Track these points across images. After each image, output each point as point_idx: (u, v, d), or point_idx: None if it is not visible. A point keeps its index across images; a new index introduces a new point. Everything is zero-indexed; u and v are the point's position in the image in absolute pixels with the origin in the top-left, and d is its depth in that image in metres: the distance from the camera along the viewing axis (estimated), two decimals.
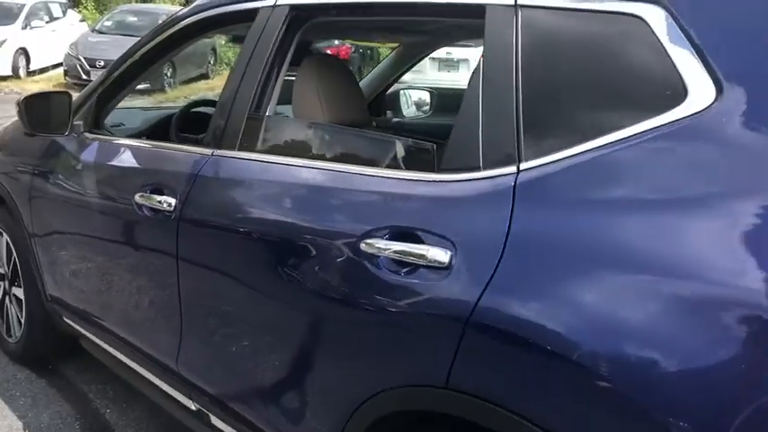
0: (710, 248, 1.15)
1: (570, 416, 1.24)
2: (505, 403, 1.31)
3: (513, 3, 1.50)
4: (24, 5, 15.02)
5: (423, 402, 1.48)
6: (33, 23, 14.78)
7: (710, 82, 1.20)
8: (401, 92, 3.91)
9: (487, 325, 1.33)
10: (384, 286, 1.52)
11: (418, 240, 1.48)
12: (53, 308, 2.97)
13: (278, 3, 2.04)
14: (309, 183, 1.80)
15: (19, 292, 3.20)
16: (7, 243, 3.23)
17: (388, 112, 3.78)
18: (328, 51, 11.79)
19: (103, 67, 9.81)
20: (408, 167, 1.70)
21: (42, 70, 15.00)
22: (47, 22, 15.34)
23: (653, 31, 1.28)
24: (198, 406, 2.20)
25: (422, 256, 1.46)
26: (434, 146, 1.65)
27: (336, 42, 11.19)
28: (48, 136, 2.77)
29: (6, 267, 3.29)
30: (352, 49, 11.75)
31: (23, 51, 14.40)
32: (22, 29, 14.47)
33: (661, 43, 1.27)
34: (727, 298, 1.10)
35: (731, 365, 1.09)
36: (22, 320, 3.23)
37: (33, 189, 2.90)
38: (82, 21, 17.57)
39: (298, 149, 2.00)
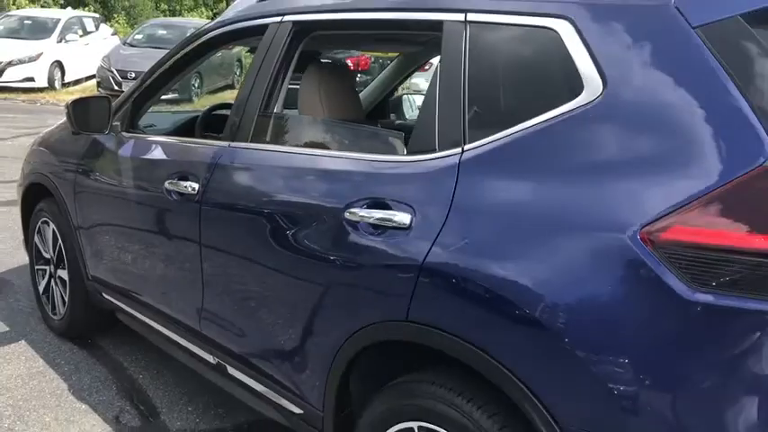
0: (601, 206, 1.51)
1: (496, 335, 1.61)
2: (449, 329, 1.69)
3: (463, 19, 1.88)
4: (59, 20, 15.73)
5: (391, 334, 1.86)
6: (68, 37, 15.46)
7: (600, 79, 1.58)
8: (404, 96, 4.31)
9: (434, 270, 1.72)
10: (362, 246, 1.91)
11: (388, 208, 1.87)
12: (94, 286, 3.40)
13: (283, 19, 2.45)
14: (306, 166, 2.20)
15: (63, 273, 3.64)
16: (54, 231, 3.67)
17: (392, 115, 4.18)
18: (348, 62, 12.28)
19: (134, 79, 10.34)
20: (383, 152, 2.09)
21: (76, 82, 15.67)
22: (80, 36, 16.01)
23: (562, 40, 1.66)
24: (217, 359, 2.60)
25: (390, 220, 1.85)
26: (404, 134, 2.05)
27: (357, 53, 11.64)
28: (90, 134, 3.21)
29: (52, 253, 3.73)
30: (372, 60, 12.18)
31: (58, 64, 15.08)
32: (57, 42, 15.15)
33: (567, 49, 1.65)
34: (610, 246, 1.47)
35: (611, 294, 1.46)
36: (66, 299, 3.66)
37: (77, 182, 3.34)
38: (114, 34, 18.24)
39: (299, 140, 2.41)
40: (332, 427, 2.09)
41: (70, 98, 3.56)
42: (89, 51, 15.72)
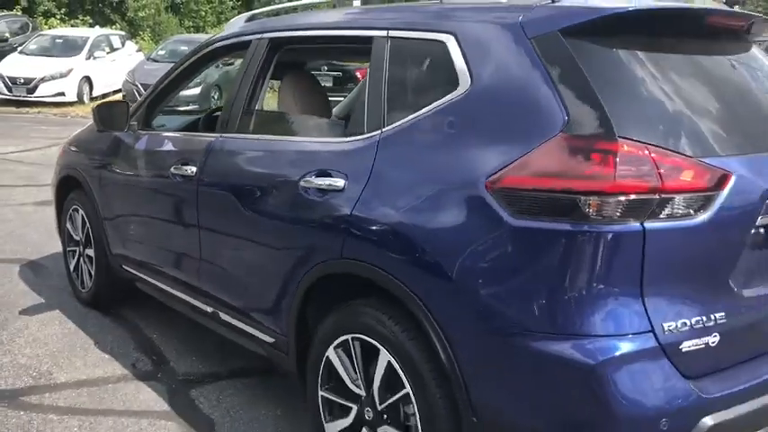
0: (465, 166, 2.12)
1: (399, 264, 2.22)
2: (369, 261, 2.31)
3: (386, 35, 2.52)
4: (88, 38, 16.67)
5: (333, 267, 2.48)
6: (96, 54, 16.38)
7: (469, 77, 2.20)
8: None
9: (358, 219, 2.34)
10: (311, 205, 2.54)
11: (329, 176, 2.50)
12: (116, 260, 4.06)
13: (262, 37, 3.11)
14: (274, 149, 2.85)
15: (90, 252, 4.31)
16: (82, 216, 4.35)
17: None
18: (357, 74, 13.02)
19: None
20: (330, 136, 2.73)
21: (104, 96, 16.55)
22: (108, 53, 16.93)
23: (447, 49, 2.28)
24: (212, 308, 3.24)
25: (330, 185, 2.48)
26: (344, 122, 2.68)
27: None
28: (112, 132, 3.89)
29: (81, 235, 4.41)
30: None
31: (87, 79, 15.99)
32: (86, 59, 16.07)
33: (450, 55, 2.27)
34: (468, 193, 2.07)
35: (470, 226, 2.07)
36: (93, 274, 4.33)
37: (101, 173, 4.02)
38: (139, 51, 19.15)
39: (271, 130, 3.06)
40: (294, 347, 2.72)
41: (95, 104, 4.25)
42: (115, 67, 16.62)
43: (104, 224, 4.08)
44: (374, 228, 2.30)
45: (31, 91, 15.21)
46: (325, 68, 12.72)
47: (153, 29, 27.83)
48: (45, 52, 16.09)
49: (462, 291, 2.06)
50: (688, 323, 1.91)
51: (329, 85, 12.83)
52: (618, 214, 1.85)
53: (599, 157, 1.87)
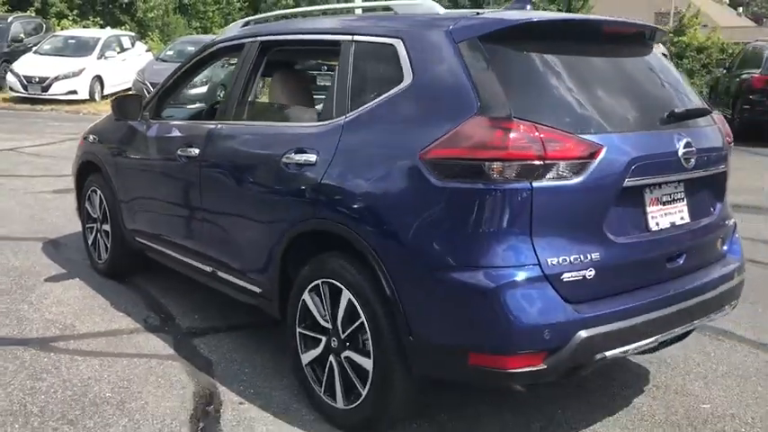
0: (406, 142, 2.71)
1: (356, 221, 2.82)
2: (335, 219, 2.91)
3: (351, 39, 3.13)
4: (99, 39, 17.35)
5: (308, 226, 3.08)
6: (107, 54, 17.05)
7: (412, 73, 2.80)
8: None
9: (326, 185, 2.94)
10: (291, 177, 3.14)
11: (305, 152, 3.10)
12: (130, 234, 4.67)
13: (254, 40, 3.72)
14: (263, 132, 3.46)
15: (107, 227, 4.93)
16: (100, 196, 4.96)
17: None
18: None
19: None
20: (306, 121, 3.33)
21: (114, 94, 17.20)
22: (118, 53, 17.60)
23: (396, 50, 2.88)
24: (212, 268, 3.84)
25: (305, 160, 3.08)
26: (317, 108, 3.29)
27: None
28: (127, 121, 4.50)
29: (99, 213, 5.02)
30: None
31: (98, 78, 16.66)
32: (98, 59, 16.75)
33: (398, 55, 2.87)
34: (408, 164, 2.66)
35: (408, 189, 2.66)
36: (108, 247, 4.94)
37: (117, 157, 4.63)
38: (148, 51, 19.81)
39: (262, 117, 3.66)
40: (278, 294, 3.31)
41: (104, 113, 4.86)
42: (126, 66, 17.29)
43: (119, 202, 4.69)
44: (338, 193, 2.90)
45: (46, 89, 15.90)
46: (325, 68, 13.31)
47: (162, 29, 28.51)
48: (58, 52, 16.77)
49: (402, 239, 2.66)
50: (568, 259, 2.50)
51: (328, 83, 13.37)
52: (513, 176, 2.45)
53: (500, 133, 2.46)
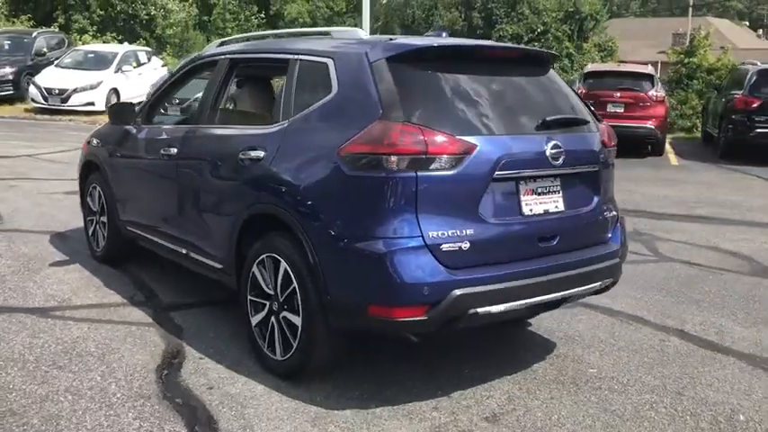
0: (329, 140, 3.38)
1: (288, 204, 3.49)
2: (273, 203, 3.59)
3: (296, 58, 3.82)
4: (117, 54, 18.28)
5: (256, 210, 3.74)
6: (124, 68, 17.96)
7: (337, 86, 3.47)
8: None
9: (268, 176, 3.62)
10: (245, 170, 3.82)
11: (256, 150, 3.78)
12: (123, 224, 5.37)
13: (225, 57, 4.42)
14: (227, 134, 4.16)
15: (104, 218, 5.63)
16: (99, 192, 5.67)
17: None
18: None
19: (179, 104, 12.56)
20: (261, 124, 4.02)
21: None
22: (135, 67, 18.50)
23: (328, 67, 3.56)
24: (186, 250, 4.52)
25: (256, 156, 3.76)
26: (270, 114, 3.97)
27: None
28: (122, 126, 5.22)
29: (98, 206, 5.73)
30: None
31: (115, 91, 17.55)
32: (115, 72, 17.65)
33: (329, 71, 3.55)
34: (329, 158, 3.33)
35: (328, 179, 3.33)
36: (105, 236, 5.65)
37: (113, 157, 5.35)
38: (164, 65, 20.72)
39: (227, 121, 4.36)
40: (234, 268, 3.98)
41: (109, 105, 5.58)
42: (142, 80, 18.17)
43: (114, 196, 5.40)
44: (277, 182, 3.58)
45: (65, 101, 16.81)
46: None
47: (180, 45, 29.57)
48: (78, 66, 17.71)
49: (322, 218, 3.33)
50: (446, 233, 3.16)
51: None
52: (402, 167, 3.11)
53: (393, 134, 3.13)
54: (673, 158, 13.86)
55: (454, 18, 31.36)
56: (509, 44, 3.93)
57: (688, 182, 11.07)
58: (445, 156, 3.15)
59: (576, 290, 3.62)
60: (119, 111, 5.14)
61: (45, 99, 16.90)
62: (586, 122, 3.78)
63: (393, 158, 3.11)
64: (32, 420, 3.22)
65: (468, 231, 3.21)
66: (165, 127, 4.99)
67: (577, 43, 31.26)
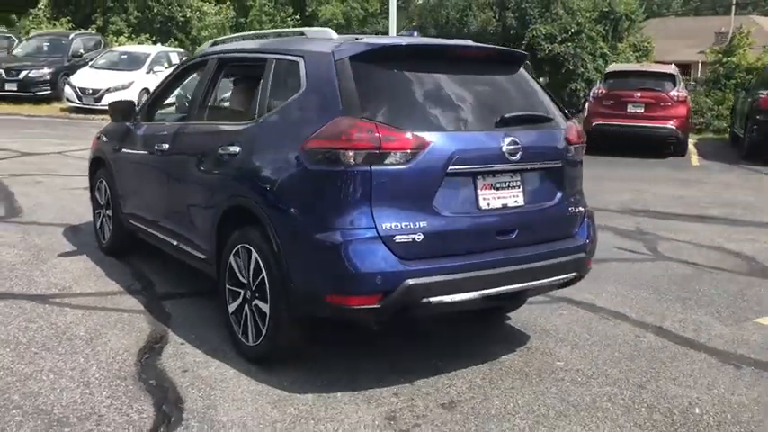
0: (295, 135, 3.53)
1: (258, 197, 3.66)
2: (246, 196, 3.76)
3: (273, 57, 3.99)
4: (149, 54, 18.76)
5: (232, 203, 3.92)
6: (156, 69, 18.39)
7: (306, 82, 3.63)
8: None
9: (242, 170, 3.79)
10: (223, 164, 4.00)
11: (233, 145, 3.96)
12: (125, 217, 5.61)
13: (213, 57, 4.61)
14: (210, 130, 4.35)
15: (109, 212, 5.88)
16: (105, 187, 5.93)
17: None
18: None
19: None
20: (239, 120, 4.19)
21: None
22: (166, 68, 18.90)
23: (299, 66, 3.72)
24: (176, 241, 4.72)
25: (233, 151, 3.93)
26: (245, 110, 4.14)
27: None
28: (123, 123, 5.46)
29: (104, 200, 5.99)
30: None
31: (146, 91, 17.95)
32: (146, 73, 18.11)
33: (299, 69, 3.70)
34: (294, 152, 3.49)
35: (293, 172, 3.48)
36: (110, 229, 5.90)
37: (116, 153, 5.59)
38: None
39: (212, 118, 4.55)
40: (215, 258, 4.16)
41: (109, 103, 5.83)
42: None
43: (118, 190, 5.65)
44: (249, 176, 3.75)
45: (98, 100, 17.30)
46: None
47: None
48: (111, 66, 18.22)
49: (286, 210, 3.49)
50: (399, 225, 3.28)
51: None
52: (358, 161, 3.25)
53: (349, 129, 3.27)
54: (695, 159, 13.70)
55: (488, 18, 31.33)
56: (471, 43, 3.97)
57: (705, 182, 10.96)
58: (399, 151, 3.28)
59: (536, 282, 3.71)
60: (118, 108, 5.38)
61: (79, 99, 17.43)
62: (549, 119, 3.87)
63: (348, 153, 3.25)
64: (13, 396, 3.44)
65: (422, 224, 3.33)
66: (159, 124, 5.20)
67: (612, 43, 30.96)
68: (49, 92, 18.47)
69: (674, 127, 13.15)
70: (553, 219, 3.82)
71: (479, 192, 3.53)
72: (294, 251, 3.46)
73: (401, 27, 34.35)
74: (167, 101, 5.63)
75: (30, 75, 18.28)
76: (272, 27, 34.91)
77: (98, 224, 6.15)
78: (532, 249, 3.68)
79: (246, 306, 3.87)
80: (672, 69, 14.28)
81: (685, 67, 36.29)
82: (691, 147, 14.95)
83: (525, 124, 3.73)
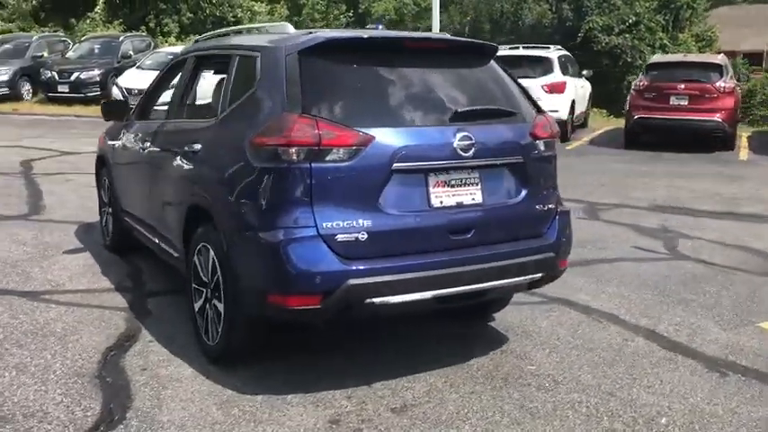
0: (244, 131, 3.47)
1: (210, 195, 3.62)
2: (202, 195, 3.73)
3: (236, 53, 3.94)
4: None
5: (192, 201, 3.89)
6: None
7: (259, 78, 3.56)
8: None
9: (199, 168, 3.76)
10: (187, 162, 3.98)
11: (196, 143, 3.93)
12: (122, 214, 5.68)
13: (190, 55, 4.61)
14: (182, 127, 4.34)
15: (111, 209, 5.97)
16: (107, 184, 6.02)
17: None
18: None
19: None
20: (204, 118, 4.16)
21: None
22: None
23: (256, 61, 3.65)
24: (157, 240, 4.74)
25: (195, 148, 3.91)
26: (210, 107, 4.11)
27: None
28: (115, 122, 5.52)
29: (107, 198, 6.08)
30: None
31: None
32: None
33: (256, 65, 3.64)
34: (242, 148, 3.43)
35: (241, 168, 3.43)
36: (111, 228, 5.98)
37: (113, 151, 5.66)
38: None
39: (187, 115, 4.55)
40: (184, 256, 4.14)
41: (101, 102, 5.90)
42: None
43: (116, 188, 5.72)
44: (204, 174, 3.73)
45: None
46: None
47: None
48: (157, 67, 18.48)
49: (231, 208, 3.45)
50: (341, 224, 3.18)
51: None
52: (297, 158, 3.16)
53: (289, 126, 3.19)
54: (743, 153, 13.06)
55: (543, 11, 30.72)
56: (433, 35, 3.90)
57: (747, 178, 10.42)
58: (340, 147, 3.18)
59: (495, 283, 3.55)
60: (109, 108, 5.47)
61: (125, 99, 17.87)
62: (511, 114, 3.69)
63: (289, 150, 3.17)
64: None
65: (366, 222, 3.22)
66: (147, 123, 5.24)
67: (672, 34, 29.91)
68: (98, 93, 18.95)
69: (720, 120, 12.58)
70: (517, 217, 3.65)
71: (431, 189, 3.39)
72: (240, 250, 3.41)
73: (455, 22, 34.11)
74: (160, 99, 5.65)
75: (80, 76, 18.83)
76: (325, 25, 35.15)
77: (103, 221, 6.25)
78: (492, 249, 3.52)
79: (207, 305, 3.84)
80: (719, 59, 13.66)
81: (756, 56, 34.80)
82: (743, 140, 14.30)
83: (483, 119, 3.57)
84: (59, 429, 3.17)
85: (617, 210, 8.17)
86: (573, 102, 13.91)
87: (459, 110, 3.48)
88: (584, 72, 15.97)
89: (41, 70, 19.13)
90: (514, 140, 3.64)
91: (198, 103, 4.78)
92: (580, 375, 3.80)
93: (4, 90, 18.74)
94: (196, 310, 3.99)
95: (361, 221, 3.22)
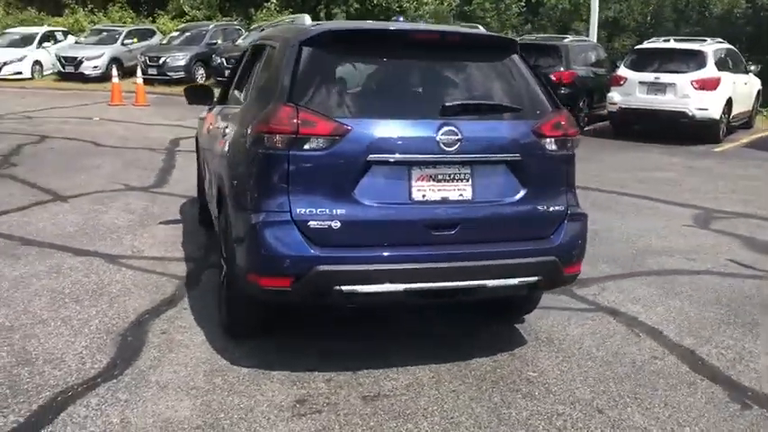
0: (249, 119, 3.66)
1: (222, 177, 3.85)
2: (219, 175, 3.97)
3: (269, 44, 4.13)
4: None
5: (218, 181, 4.16)
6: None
7: (272, 67, 3.72)
8: None
9: (224, 150, 4.00)
10: (224, 144, 4.25)
11: (229, 127, 4.18)
12: (203, 192, 6.13)
13: (252, 44, 4.87)
14: (227, 112, 4.61)
15: (198, 186, 6.45)
16: (200, 162, 6.50)
17: None
18: (552, 76, 13.87)
19: None
20: (239, 104, 4.39)
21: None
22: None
23: (275, 51, 3.82)
24: (214, 217, 5.08)
25: (229, 132, 4.16)
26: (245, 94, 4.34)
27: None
28: (203, 106, 5.95)
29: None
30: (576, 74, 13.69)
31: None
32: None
33: (274, 55, 3.80)
34: (247, 134, 3.62)
35: (245, 154, 3.62)
36: (200, 203, 6.46)
37: (200, 132, 6.11)
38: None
39: (237, 102, 4.81)
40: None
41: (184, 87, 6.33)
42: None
43: (199, 165, 6.18)
44: (224, 158, 3.96)
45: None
46: None
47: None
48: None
49: (232, 190, 3.64)
50: (314, 211, 3.26)
51: None
52: (277, 145, 3.28)
53: (273, 114, 3.32)
54: None
55: (734, 1, 28.34)
56: (448, 28, 3.76)
57: None
58: (317, 136, 3.25)
59: (478, 282, 3.44)
60: (193, 93, 5.87)
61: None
62: (512, 110, 3.54)
63: (271, 137, 3.31)
64: (15, 336, 4.00)
65: (340, 211, 3.28)
66: (220, 106, 5.60)
67: None
68: (183, 75, 20.33)
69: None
70: (513, 217, 3.52)
71: (414, 183, 3.37)
72: (233, 230, 3.61)
73: (636, 12, 32.36)
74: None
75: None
76: (495, 15, 34.76)
77: (197, 194, 6.77)
78: (478, 247, 3.43)
79: (224, 280, 4.09)
80: (704, 46, 12.87)
81: None
82: None
83: (476, 114, 3.47)
84: (65, 375, 3.56)
85: (735, 219, 7.47)
86: (729, 99, 12.77)
87: (447, 104, 3.42)
88: (752, 67, 14.57)
89: (213, 56, 20.76)
90: (512, 137, 3.50)
91: (243, 90, 5.05)
92: (578, 388, 3.60)
93: (180, 74, 20.54)
94: (220, 281, 4.26)
95: (334, 210, 3.28)
